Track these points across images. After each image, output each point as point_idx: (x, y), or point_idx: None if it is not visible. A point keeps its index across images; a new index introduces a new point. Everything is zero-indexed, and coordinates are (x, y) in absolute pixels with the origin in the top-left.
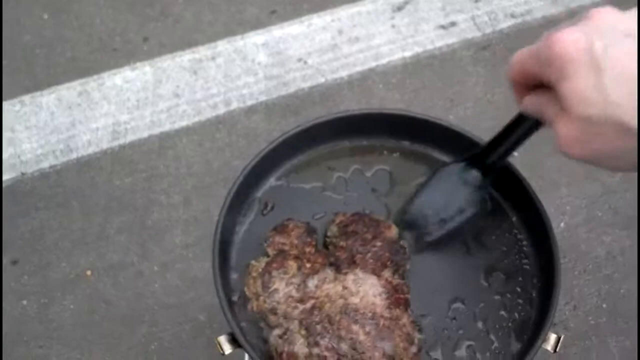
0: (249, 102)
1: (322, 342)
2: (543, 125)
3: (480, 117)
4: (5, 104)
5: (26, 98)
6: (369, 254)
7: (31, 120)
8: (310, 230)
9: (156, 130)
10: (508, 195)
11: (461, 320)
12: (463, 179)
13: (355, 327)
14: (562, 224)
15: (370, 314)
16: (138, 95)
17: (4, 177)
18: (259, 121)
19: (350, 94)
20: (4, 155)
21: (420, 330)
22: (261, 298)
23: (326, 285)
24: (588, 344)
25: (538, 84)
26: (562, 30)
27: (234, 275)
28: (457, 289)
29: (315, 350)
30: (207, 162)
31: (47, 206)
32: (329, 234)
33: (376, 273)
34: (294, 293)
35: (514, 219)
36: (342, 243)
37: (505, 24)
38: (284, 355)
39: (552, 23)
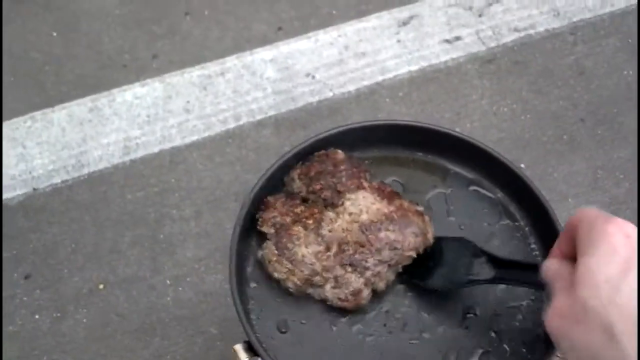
0: (258, 117)
1: (369, 264)
2: (543, 290)
3: (487, 130)
4: (16, 120)
5: (37, 114)
6: (343, 179)
7: (42, 136)
8: (289, 194)
9: (167, 145)
10: (521, 205)
11: (475, 329)
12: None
13: (382, 235)
14: None
15: (383, 217)
16: (148, 110)
17: (16, 193)
18: (268, 135)
19: (357, 107)
20: (16, 171)
21: (417, 203)
22: (296, 271)
23: (337, 224)
24: None
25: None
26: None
27: (252, 284)
28: (470, 299)
29: (368, 274)
30: (218, 176)
31: (60, 221)
32: (296, 189)
33: (360, 187)
34: (318, 248)
35: (527, 228)
36: (317, 186)
37: (509, 37)
38: (350, 297)
39: (555, 36)
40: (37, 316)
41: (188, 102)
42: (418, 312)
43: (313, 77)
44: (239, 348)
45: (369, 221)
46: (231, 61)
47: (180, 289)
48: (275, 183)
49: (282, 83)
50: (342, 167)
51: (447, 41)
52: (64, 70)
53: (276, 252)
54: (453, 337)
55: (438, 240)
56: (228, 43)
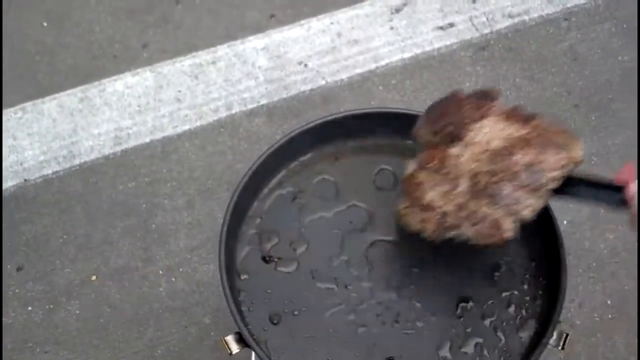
0: (250, 106)
1: (506, 192)
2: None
3: None
4: (6, 112)
5: (28, 105)
6: (467, 111)
7: (33, 127)
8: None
9: (158, 135)
10: None
11: (469, 318)
12: None
13: (516, 158)
14: (565, 222)
15: (516, 141)
16: (139, 100)
17: (7, 184)
18: (260, 124)
19: (350, 95)
20: (6, 163)
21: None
22: (428, 218)
23: (463, 158)
24: (594, 341)
25: None
26: None
27: (243, 276)
28: (465, 288)
29: (507, 201)
30: (210, 166)
31: (51, 212)
32: (423, 141)
33: (485, 116)
34: (444, 187)
35: None
36: (439, 126)
37: (502, 24)
38: (492, 231)
39: (549, 22)
40: (29, 308)
41: (179, 91)
42: (411, 302)
43: (305, 65)
44: (230, 339)
45: (500, 147)
46: (222, 50)
47: (173, 279)
48: (265, 173)
49: (274, 71)
50: (466, 102)
51: (441, 28)
52: (55, 61)
53: (406, 204)
54: (447, 326)
55: None
56: (220, 31)
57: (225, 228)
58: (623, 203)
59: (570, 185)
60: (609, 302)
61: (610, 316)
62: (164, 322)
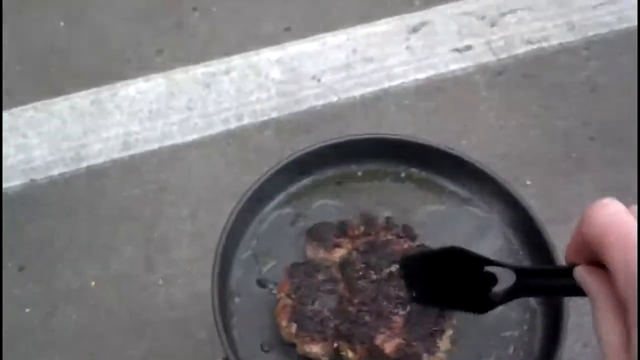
0: (261, 118)
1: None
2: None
3: (493, 144)
4: (18, 110)
5: (39, 105)
6: None
7: (43, 127)
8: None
9: (167, 142)
10: (516, 226)
11: (466, 358)
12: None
13: None
14: None
15: None
16: (151, 106)
17: (15, 183)
18: (270, 137)
19: (362, 114)
20: (14, 161)
21: None
22: None
23: None
24: None
25: None
26: None
27: (236, 299)
28: (463, 326)
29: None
30: (217, 176)
31: (56, 214)
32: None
33: None
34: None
35: (521, 252)
36: None
37: (521, 49)
38: None
39: (568, 51)
40: (27, 310)
41: (191, 99)
42: None
43: (318, 80)
44: None
45: None
46: (236, 60)
47: (171, 290)
48: (265, 194)
49: (286, 85)
50: None
51: (458, 50)
52: (69, 61)
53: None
54: None
55: (429, 255)
56: (234, 41)
57: (219, 250)
58: (577, 289)
59: (524, 277)
60: None
61: None
62: (160, 332)
